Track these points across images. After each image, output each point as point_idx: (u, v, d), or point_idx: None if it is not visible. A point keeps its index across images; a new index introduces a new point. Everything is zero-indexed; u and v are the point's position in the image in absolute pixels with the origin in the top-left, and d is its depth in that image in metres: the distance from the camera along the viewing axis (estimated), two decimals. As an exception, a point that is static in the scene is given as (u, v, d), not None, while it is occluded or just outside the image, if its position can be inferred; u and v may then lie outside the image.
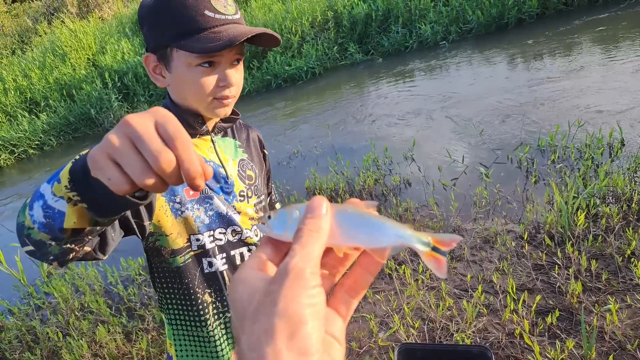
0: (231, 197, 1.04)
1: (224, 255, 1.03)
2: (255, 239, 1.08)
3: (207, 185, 1.00)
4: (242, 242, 1.06)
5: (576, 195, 2.76)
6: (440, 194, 3.51)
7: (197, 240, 0.99)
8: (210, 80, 0.90)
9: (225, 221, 1.02)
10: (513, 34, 6.96)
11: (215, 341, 1.05)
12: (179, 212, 0.97)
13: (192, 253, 1.00)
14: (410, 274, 2.54)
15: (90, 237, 0.68)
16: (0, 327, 3.29)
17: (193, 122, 0.97)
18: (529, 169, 3.47)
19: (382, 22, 8.19)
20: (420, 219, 3.24)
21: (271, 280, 0.35)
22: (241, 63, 0.96)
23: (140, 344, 2.55)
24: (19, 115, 9.50)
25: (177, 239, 0.97)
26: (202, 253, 1.01)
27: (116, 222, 0.81)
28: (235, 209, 1.04)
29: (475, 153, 3.96)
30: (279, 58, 8.09)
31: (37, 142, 8.87)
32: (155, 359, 2.49)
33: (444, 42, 7.43)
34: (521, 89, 4.97)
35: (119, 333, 2.73)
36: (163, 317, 1.10)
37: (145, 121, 0.48)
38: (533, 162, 3.51)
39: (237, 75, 0.94)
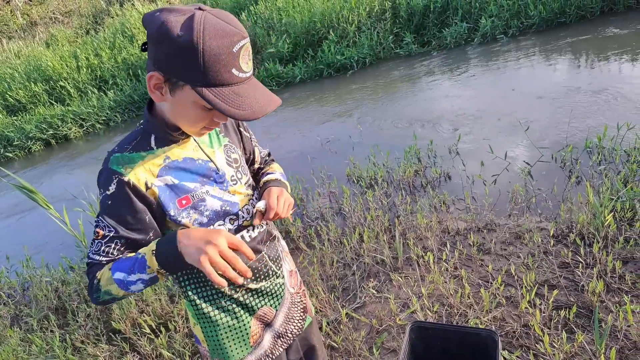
0: (225, 185, 1.15)
1: None
2: (248, 218, 1.20)
3: (200, 185, 1.10)
4: (241, 227, 1.18)
5: (613, 197, 2.73)
6: (479, 188, 3.54)
7: None
8: (208, 117, 1.00)
9: (221, 215, 1.14)
10: (575, 30, 6.68)
11: (234, 308, 1.19)
12: (177, 221, 1.09)
13: None
14: (434, 261, 2.63)
15: None
16: (63, 281, 3.70)
17: (174, 133, 1.07)
18: (571, 169, 3.42)
19: (440, 14, 8.09)
20: (454, 211, 3.30)
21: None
22: None
23: (181, 305, 2.82)
24: (89, 92, 10.23)
25: None
26: None
27: None
28: (230, 193, 1.15)
29: (520, 151, 3.93)
30: (333, 47, 8.21)
31: (103, 118, 9.53)
32: (194, 317, 2.74)
33: (502, 35, 7.24)
34: (578, 87, 4.83)
35: (164, 294, 3.01)
36: (185, 302, 1.24)
37: (226, 251, 0.94)
38: (577, 162, 3.46)
39: None
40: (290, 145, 5.64)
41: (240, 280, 0.95)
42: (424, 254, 2.80)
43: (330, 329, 2.42)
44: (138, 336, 2.73)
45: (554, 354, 1.88)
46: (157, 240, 1.01)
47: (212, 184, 1.12)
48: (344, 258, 3.06)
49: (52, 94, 10.76)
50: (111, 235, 1.03)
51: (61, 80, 10.66)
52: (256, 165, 1.39)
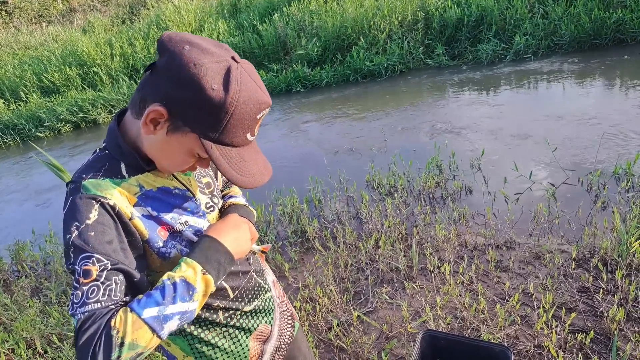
0: (202, 215, 1.04)
1: None
2: None
3: (178, 216, 0.98)
4: None
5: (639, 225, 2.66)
6: (500, 205, 3.49)
7: None
8: (192, 162, 0.92)
9: None
10: (611, 55, 6.56)
11: (231, 333, 1.12)
12: (166, 255, 0.95)
13: None
14: (450, 273, 2.60)
15: None
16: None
17: (146, 164, 0.95)
18: (598, 194, 3.35)
19: (473, 28, 8.03)
20: (474, 226, 3.26)
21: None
22: None
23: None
24: (120, 79, 10.45)
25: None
26: None
27: None
28: (209, 220, 1.07)
29: (545, 171, 3.87)
30: (362, 54, 8.22)
31: (132, 106, 9.71)
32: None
33: (530, 55, 7.17)
34: (608, 112, 4.73)
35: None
36: (168, 337, 1.09)
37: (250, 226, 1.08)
38: (604, 187, 3.38)
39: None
40: (311, 147, 5.66)
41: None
42: (440, 265, 2.77)
43: (341, 330, 2.41)
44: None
45: (567, 378, 1.84)
46: (192, 260, 0.88)
47: (189, 214, 1.01)
48: (358, 262, 3.05)
49: (85, 78, 11.03)
50: (109, 267, 0.81)
51: (95, 66, 10.92)
52: (220, 186, 1.30)
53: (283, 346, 1.27)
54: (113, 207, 0.86)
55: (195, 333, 1.08)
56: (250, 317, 1.15)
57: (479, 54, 7.61)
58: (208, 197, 1.09)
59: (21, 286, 3.61)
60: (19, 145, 9.69)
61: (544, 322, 2.14)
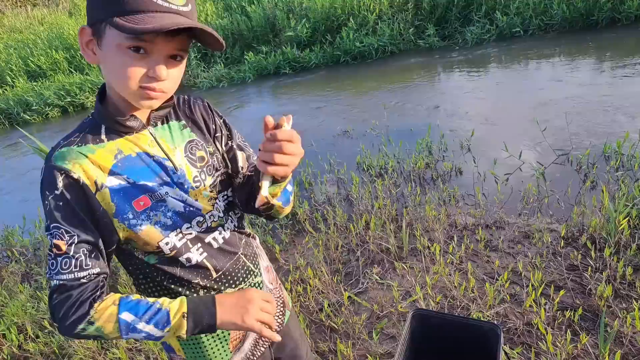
0: (186, 187, 1.01)
1: (199, 245, 1.04)
2: (220, 215, 1.09)
3: (158, 186, 0.97)
4: (210, 229, 1.06)
5: (628, 204, 2.68)
6: (490, 186, 3.50)
7: (167, 244, 0.99)
8: (138, 69, 0.85)
9: (186, 217, 1.02)
10: (603, 35, 6.53)
11: None
12: (137, 227, 0.95)
13: (166, 256, 1.01)
14: (440, 252, 2.61)
15: None
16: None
17: (126, 122, 0.94)
18: (587, 173, 3.37)
19: (463, 8, 7.95)
20: (463, 206, 3.27)
21: None
22: (183, 60, 0.92)
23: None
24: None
25: (145, 245, 0.98)
26: (176, 253, 1.01)
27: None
28: (192, 196, 1.03)
29: (535, 151, 3.87)
30: (352, 35, 8.12)
31: (119, 89, 9.58)
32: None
33: (517, 30, 7.13)
34: (598, 92, 4.73)
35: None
36: None
37: (265, 307, 0.99)
38: (593, 166, 3.40)
39: (172, 71, 0.89)
40: (300, 130, 5.62)
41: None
42: (429, 246, 2.77)
43: (332, 311, 2.42)
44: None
45: (555, 354, 1.86)
46: (186, 300, 0.93)
47: (172, 185, 0.99)
48: (349, 243, 3.05)
49: (72, 62, 10.80)
50: (75, 241, 0.88)
51: (81, 49, 10.69)
52: (245, 171, 1.18)
53: None
54: (77, 180, 0.88)
55: None
56: None
57: (468, 35, 7.55)
58: (197, 171, 1.04)
59: (11, 272, 3.59)
60: (6, 129, 9.55)
61: (533, 300, 2.16)
